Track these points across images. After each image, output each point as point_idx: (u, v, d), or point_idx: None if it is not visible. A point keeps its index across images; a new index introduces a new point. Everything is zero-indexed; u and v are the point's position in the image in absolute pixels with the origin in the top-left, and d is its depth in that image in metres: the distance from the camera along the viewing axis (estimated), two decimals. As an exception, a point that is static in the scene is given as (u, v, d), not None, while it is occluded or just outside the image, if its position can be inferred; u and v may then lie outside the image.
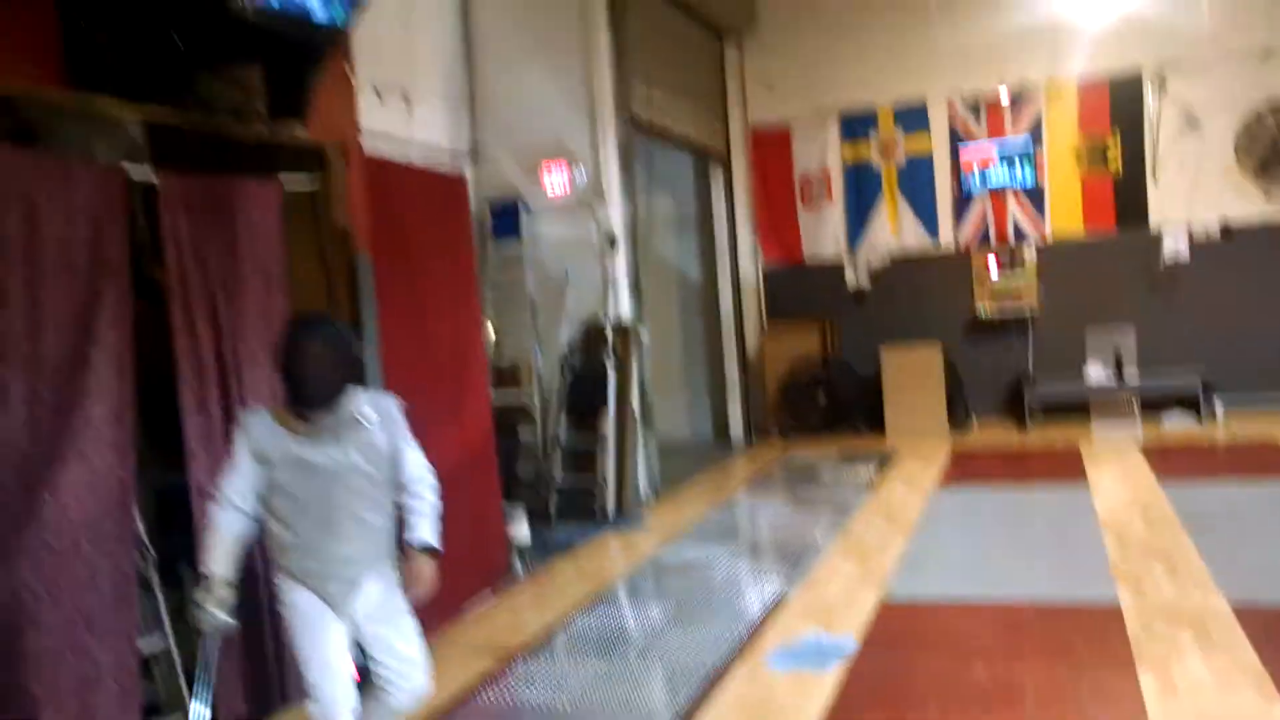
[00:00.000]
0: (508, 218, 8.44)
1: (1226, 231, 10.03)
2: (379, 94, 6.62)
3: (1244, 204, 9.98)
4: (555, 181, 8.40)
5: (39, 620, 3.39)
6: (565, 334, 8.47)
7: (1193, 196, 10.14)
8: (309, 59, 4.28)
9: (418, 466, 3.36)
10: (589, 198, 8.43)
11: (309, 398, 3.14)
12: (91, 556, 3.57)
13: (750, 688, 4.33)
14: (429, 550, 3.30)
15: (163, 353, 4.11)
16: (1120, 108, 10.22)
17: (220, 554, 3.16)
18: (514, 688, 4.59)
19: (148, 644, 3.94)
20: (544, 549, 6.94)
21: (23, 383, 3.43)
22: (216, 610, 3.12)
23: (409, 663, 3.32)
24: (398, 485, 3.33)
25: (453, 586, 5.51)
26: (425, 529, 3.32)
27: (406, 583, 3.31)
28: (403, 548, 3.33)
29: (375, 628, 3.28)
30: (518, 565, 6.44)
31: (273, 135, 4.48)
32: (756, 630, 5.02)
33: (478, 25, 8.37)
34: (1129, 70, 10.11)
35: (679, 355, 11.65)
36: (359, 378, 3.36)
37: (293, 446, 3.17)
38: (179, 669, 4.03)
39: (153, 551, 3.95)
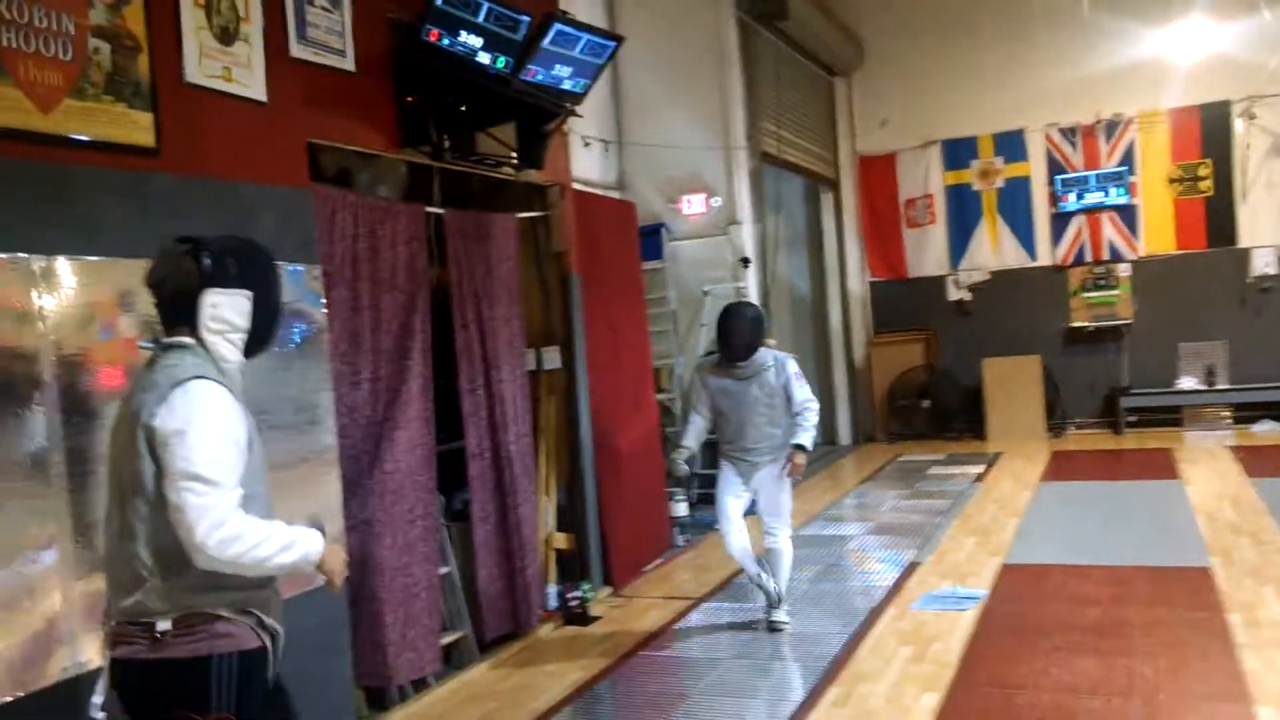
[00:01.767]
0: (651, 241, 9.53)
1: (1313, 249, 10.74)
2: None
3: (1330, 224, 10.69)
4: (693, 208, 9.53)
5: (382, 541, 4.55)
6: (702, 342, 9.56)
7: (1280, 217, 10.89)
8: (551, 119, 5.44)
9: (803, 397, 5.24)
10: (723, 223, 9.54)
11: (733, 353, 5.18)
12: (411, 499, 4.73)
13: (902, 623, 5.34)
14: (801, 448, 5.20)
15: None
16: (1210, 136, 11.02)
17: (690, 437, 5.45)
18: (701, 625, 5.65)
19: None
20: (695, 527, 7.98)
21: (369, 366, 4.61)
22: (684, 464, 5.44)
23: (776, 521, 5.42)
24: (791, 410, 5.22)
25: (634, 550, 6.63)
26: (803, 436, 5.20)
27: (789, 467, 5.24)
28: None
29: (764, 499, 5.37)
30: (678, 538, 7.52)
31: (518, 178, 5.66)
32: (899, 585, 6.02)
33: (624, 74, 9.53)
34: (1218, 102, 10.90)
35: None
36: (763, 340, 5.30)
37: (722, 382, 5.27)
38: (459, 588, 5.19)
39: (441, 498, 5.10)
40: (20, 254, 3.06)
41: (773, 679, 4.74)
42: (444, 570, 5.12)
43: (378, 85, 4.62)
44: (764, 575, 5.43)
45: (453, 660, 5.17)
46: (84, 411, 3.23)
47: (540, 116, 5.42)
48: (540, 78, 4.99)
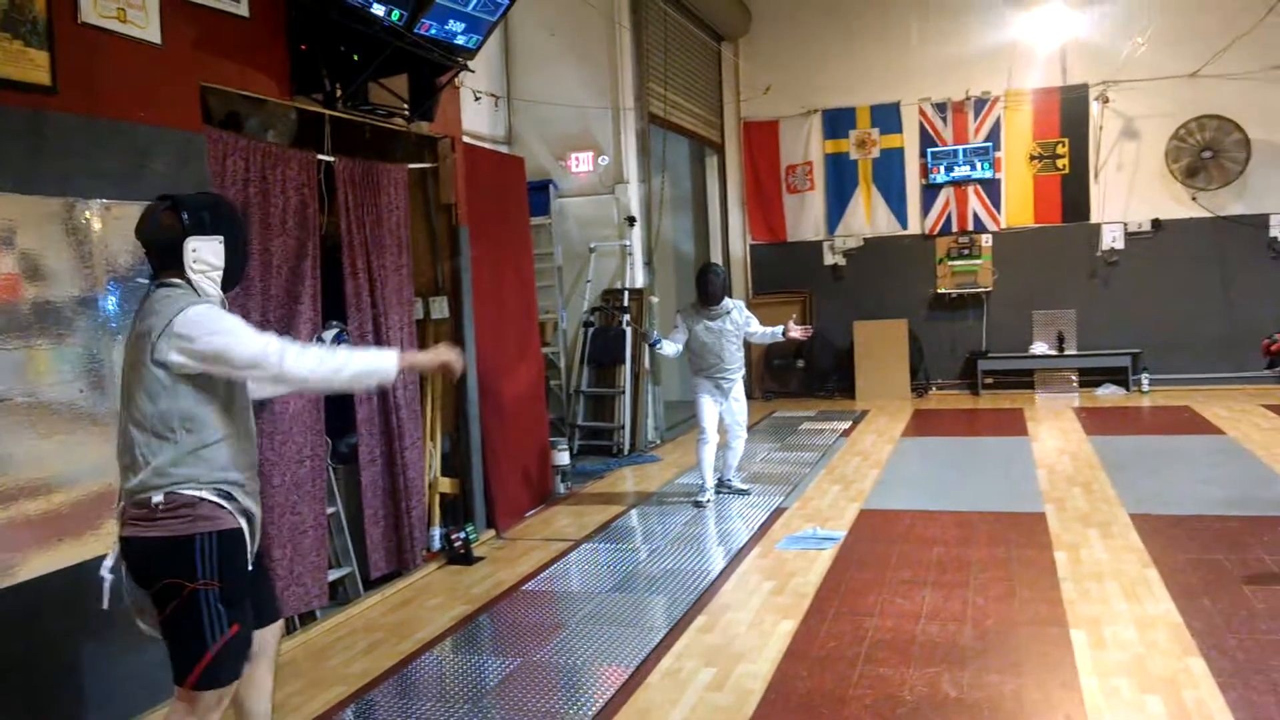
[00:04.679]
0: (539, 197, 9.69)
1: (1157, 224, 11.58)
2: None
3: (1174, 204, 11.54)
4: (581, 166, 9.73)
5: (272, 481, 4.68)
6: (586, 298, 9.81)
7: (1129, 195, 11.69)
8: (442, 73, 5.56)
9: (755, 321, 7.19)
10: (610, 182, 9.76)
11: (711, 300, 6.99)
12: (299, 440, 4.87)
13: (766, 560, 5.74)
14: (789, 328, 7.18)
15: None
16: (1069, 117, 11.73)
17: (669, 351, 7.09)
18: (580, 564, 5.95)
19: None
20: (576, 476, 8.28)
21: (258, 311, 4.71)
22: (654, 334, 7.25)
23: (742, 425, 7.27)
24: (747, 337, 7.17)
25: (517, 495, 6.87)
26: (775, 329, 7.23)
27: (800, 329, 7.22)
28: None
29: (731, 408, 7.14)
30: (560, 485, 7.79)
31: (409, 130, 5.77)
32: (766, 527, 6.43)
33: (516, 31, 9.62)
34: (1077, 85, 11.61)
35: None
36: (729, 291, 7.22)
37: (703, 321, 7.00)
38: (345, 528, 5.35)
39: (328, 441, 5.25)
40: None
41: (645, 609, 5.05)
42: (331, 510, 5.28)
43: (271, 31, 4.69)
44: (707, 488, 7.18)
45: (338, 596, 5.35)
46: (-22, 343, 3.30)
47: (433, 70, 5.54)
48: (434, 32, 5.11)
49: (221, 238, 3.00)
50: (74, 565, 3.66)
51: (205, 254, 2.97)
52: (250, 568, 3.03)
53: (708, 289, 7.00)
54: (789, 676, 4.08)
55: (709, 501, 7.11)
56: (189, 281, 2.97)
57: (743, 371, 7.22)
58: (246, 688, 3.15)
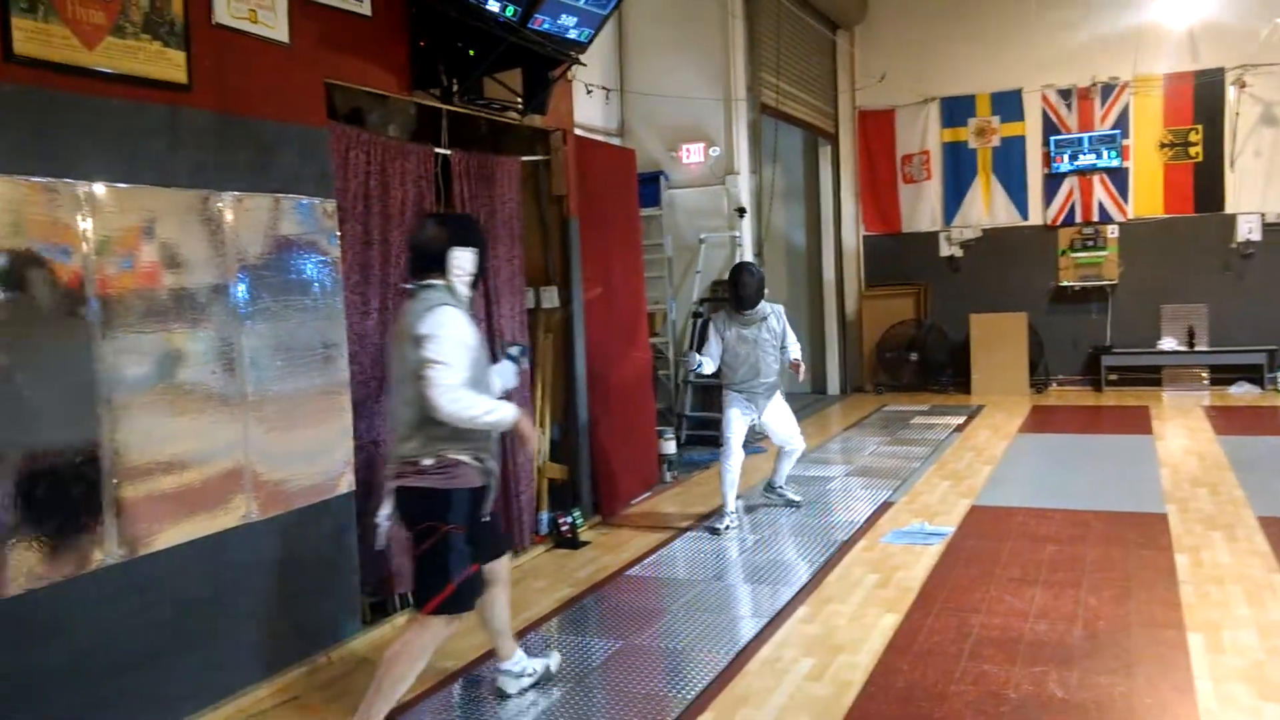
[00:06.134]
0: (649, 188, 9.75)
1: (1297, 217, 11.01)
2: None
3: (1315, 193, 10.95)
4: (692, 157, 9.77)
5: (374, 461, 4.86)
6: (695, 289, 9.86)
7: (1267, 184, 11.13)
8: (555, 66, 5.67)
9: (793, 338, 6.51)
10: (721, 173, 9.77)
11: (744, 304, 6.27)
12: (414, 423, 5.03)
13: (872, 553, 5.69)
14: (796, 362, 6.47)
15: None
16: (1203, 102, 11.23)
17: (708, 369, 6.35)
18: (684, 552, 6.01)
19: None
20: (682, 465, 8.34)
21: (378, 298, 4.90)
22: (698, 361, 6.30)
23: (793, 436, 6.60)
24: (784, 348, 6.44)
25: (624, 483, 6.97)
26: (796, 354, 6.50)
27: (795, 371, 6.47)
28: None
29: (774, 419, 6.50)
30: (666, 474, 7.86)
31: (522, 123, 5.90)
32: (873, 521, 6.38)
33: (629, 24, 9.71)
34: (1212, 69, 11.09)
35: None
36: (764, 294, 6.39)
37: (736, 329, 6.33)
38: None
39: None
40: (66, 179, 3.34)
41: (747, 598, 5.09)
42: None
43: (392, 29, 4.87)
44: (729, 511, 6.43)
45: (450, 575, 5.52)
46: (122, 326, 3.54)
47: (546, 64, 5.65)
48: (547, 26, 5.21)
49: (476, 249, 3.67)
50: (205, 536, 3.88)
51: (463, 261, 3.63)
52: (486, 519, 3.71)
53: (741, 292, 6.23)
54: (889, 669, 4.06)
55: (730, 527, 6.29)
56: (448, 283, 3.60)
57: (780, 384, 6.52)
58: (489, 609, 3.90)
